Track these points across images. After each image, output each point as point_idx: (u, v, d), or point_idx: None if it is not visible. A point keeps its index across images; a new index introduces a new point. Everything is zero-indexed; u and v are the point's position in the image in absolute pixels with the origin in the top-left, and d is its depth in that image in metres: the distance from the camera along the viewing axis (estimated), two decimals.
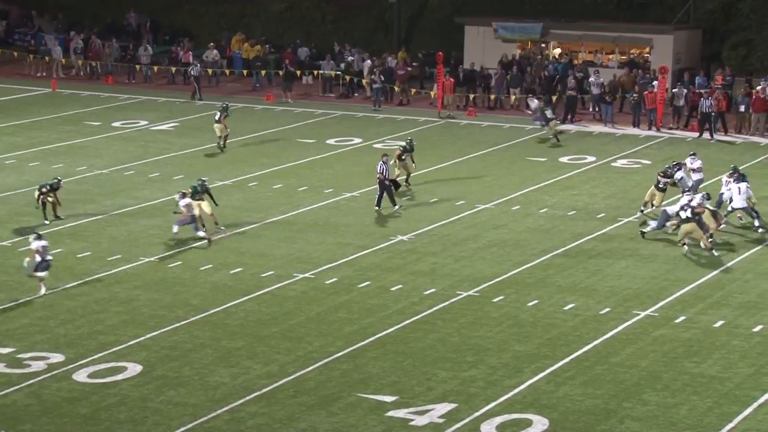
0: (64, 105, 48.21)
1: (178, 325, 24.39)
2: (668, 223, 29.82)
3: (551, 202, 33.77)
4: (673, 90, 44.12)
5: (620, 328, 24.21)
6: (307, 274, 27.57)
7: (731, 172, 31.64)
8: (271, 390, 21.22)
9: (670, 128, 43.51)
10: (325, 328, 24.27)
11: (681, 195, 30.66)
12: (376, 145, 41.14)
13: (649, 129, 43.33)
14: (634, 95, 44.26)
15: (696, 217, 28.50)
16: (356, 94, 50.12)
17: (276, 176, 36.83)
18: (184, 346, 23.25)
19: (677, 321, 24.57)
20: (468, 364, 22.35)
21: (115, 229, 30.94)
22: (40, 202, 31.36)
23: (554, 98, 45.32)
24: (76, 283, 26.91)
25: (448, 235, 30.68)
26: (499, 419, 20.00)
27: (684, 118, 43.74)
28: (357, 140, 41.94)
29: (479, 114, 46.21)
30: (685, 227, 28.56)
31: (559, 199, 34.04)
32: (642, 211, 31.83)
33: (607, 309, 25.27)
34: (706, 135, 42.12)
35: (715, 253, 28.49)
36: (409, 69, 49.65)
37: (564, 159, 39.01)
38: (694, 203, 28.89)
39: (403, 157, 34.62)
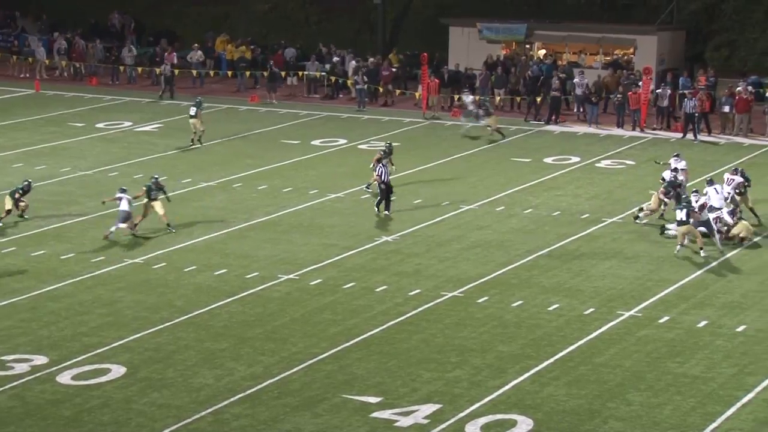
0: (48, 106, 48.09)
1: (162, 326, 24.34)
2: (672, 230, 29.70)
3: (535, 202, 33.82)
4: (657, 91, 44.24)
5: (604, 328, 24.25)
6: (291, 275, 27.55)
7: (733, 171, 31.87)
8: (256, 391, 21.19)
9: (654, 129, 43.63)
10: (310, 329, 24.26)
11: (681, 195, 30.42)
12: (361, 146, 41.15)
13: (633, 130, 43.44)
14: (618, 96, 44.36)
15: (689, 219, 28.65)
16: (341, 95, 50.11)
17: (261, 177, 36.79)
18: (167, 348, 23.21)
19: (661, 321, 24.62)
20: (452, 364, 22.36)
21: (99, 231, 30.85)
22: (14, 206, 31.27)
23: (538, 99, 45.40)
24: (59, 285, 26.84)
25: (432, 235, 30.70)
26: (483, 420, 20.02)
27: (666, 119, 43.84)
28: (342, 141, 41.93)
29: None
30: (681, 229, 28.69)
31: (544, 200, 34.09)
32: (638, 217, 31.57)
33: (591, 309, 25.32)
34: (690, 136, 42.24)
35: (702, 254, 28.56)
36: (393, 70, 49.67)
37: (548, 160, 39.07)
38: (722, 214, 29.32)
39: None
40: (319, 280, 27.21)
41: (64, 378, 21.75)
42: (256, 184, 35.85)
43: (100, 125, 44.46)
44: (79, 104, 48.46)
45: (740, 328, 24.19)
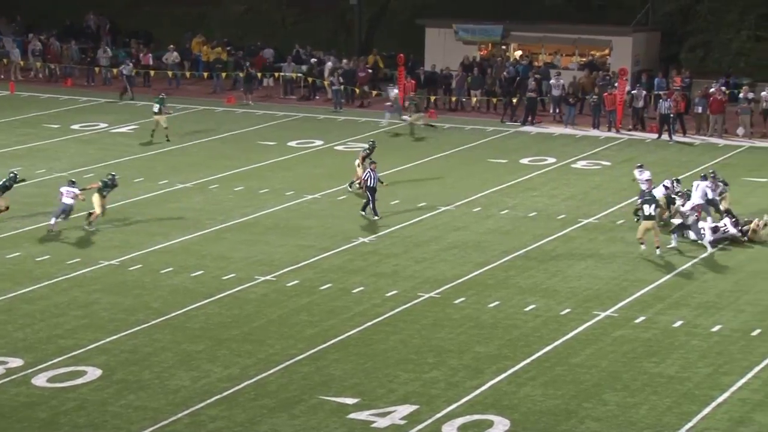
0: (23, 107, 47.87)
1: (138, 328, 24.27)
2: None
3: (512, 203, 33.89)
4: (632, 92, 44.40)
5: (580, 328, 24.32)
6: (268, 277, 27.52)
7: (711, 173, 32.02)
8: (232, 393, 21.16)
9: (630, 130, 43.78)
10: (287, 330, 24.24)
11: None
12: (337, 147, 41.15)
13: (609, 131, 43.57)
14: (594, 97, 44.50)
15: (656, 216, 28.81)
16: (317, 97, 50.10)
17: (237, 178, 36.73)
18: (144, 350, 23.14)
19: (637, 321, 24.71)
20: (429, 365, 22.38)
21: (75, 233, 30.74)
22: None
23: (515, 100, 45.50)
24: (34, 287, 26.72)
25: (409, 236, 30.72)
26: (460, 420, 20.05)
27: (640, 120, 43.98)
28: (318, 142, 41.92)
29: (440, 116, 46.31)
30: (645, 224, 28.75)
31: (520, 201, 34.17)
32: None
33: (568, 310, 25.39)
34: (665, 136, 42.41)
35: (657, 252, 28.66)
36: (370, 71, 49.67)
37: (524, 161, 39.16)
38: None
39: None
40: (296, 282, 27.19)
41: (40, 380, 21.66)
42: (233, 186, 35.79)
43: (76, 126, 44.30)
44: (55, 105, 48.28)
45: (715, 328, 24.31)
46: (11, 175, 31.83)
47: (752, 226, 30.00)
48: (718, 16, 51.00)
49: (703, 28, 51.10)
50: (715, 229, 29.73)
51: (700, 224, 29.76)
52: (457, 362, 22.53)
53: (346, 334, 23.96)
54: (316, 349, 23.15)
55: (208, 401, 20.78)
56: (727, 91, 44.08)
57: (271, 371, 22.09)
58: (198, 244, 29.99)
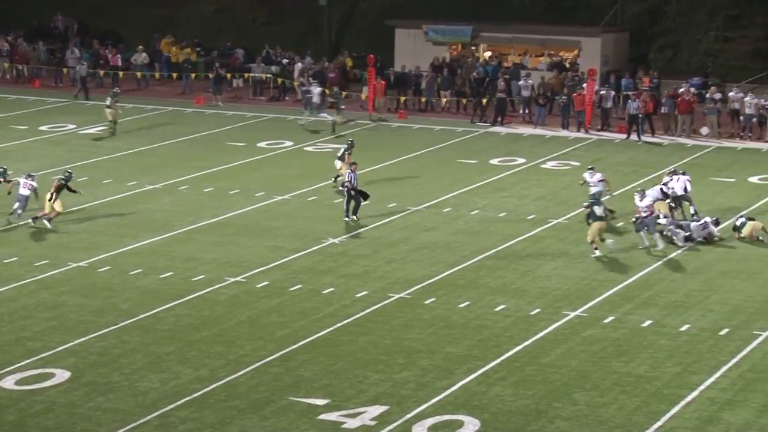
0: None
1: (107, 330, 24.16)
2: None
3: (482, 203, 33.95)
4: (601, 92, 44.56)
5: (550, 328, 24.39)
6: (238, 278, 27.46)
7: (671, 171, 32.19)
8: (202, 395, 21.09)
9: (599, 130, 43.94)
10: (257, 331, 24.19)
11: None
12: (307, 148, 41.11)
13: (578, 131, 43.72)
14: (563, 97, 44.64)
15: (607, 216, 29.06)
16: (287, 98, 50.02)
17: (207, 179, 36.63)
18: (113, 352, 23.04)
19: (606, 321, 24.81)
20: (400, 366, 22.39)
21: (43, 234, 30.58)
22: None
23: (484, 100, 45.59)
24: (2, 289, 26.55)
25: (379, 237, 30.73)
26: (430, 421, 20.06)
27: (608, 120, 44.15)
28: (288, 143, 41.86)
29: (410, 116, 46.35)
30: (597, 225, 28.89)
31: (490, 201, 34.23)
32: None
33: (538, 310, 25.45)
34: (634, 136, 42.58)
35: (597, 252, 28.76)
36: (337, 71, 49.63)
37: (494, 161, 39.25)
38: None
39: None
40: (265, 283, 27.14)
41: (8, 383, 21.52)
42: (202, 187, 35.69)
43: (44, 128, 44.06)
44: (22, 107, 47.98)
45: (684, 328, 24.43)
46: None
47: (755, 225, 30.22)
48: (686, 17, 51.29)
49: (672, 29, 51.39)
50: (688, 232, 29.86)
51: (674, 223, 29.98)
52: (427, 362, 22.55)
53: (317, 335, 23.94)
54: (286, 350, 23.11)
55: (178, 403, 20.71)
56: (695, 92, 44.30)
57: (241, 372, 22.04)
58: (167, 246, 29.88)
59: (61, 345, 23.31)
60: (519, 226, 31.58)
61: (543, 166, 38.71)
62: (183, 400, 20.80)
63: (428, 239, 30.49)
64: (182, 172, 37.37)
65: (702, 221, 30.19)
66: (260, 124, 45.38)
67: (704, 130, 42.79)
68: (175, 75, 51.98)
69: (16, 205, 31.32)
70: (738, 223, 30.52)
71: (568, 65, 49.53)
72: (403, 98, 47.83)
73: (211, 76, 49.67)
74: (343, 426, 19.88)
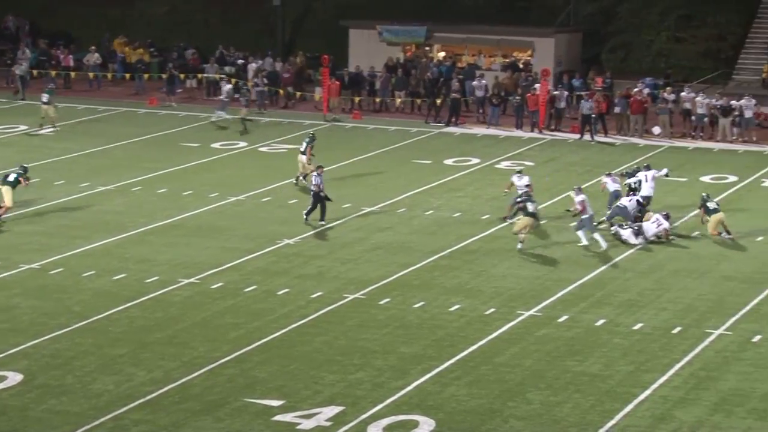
0: None
1: (59, 332, 23.97)
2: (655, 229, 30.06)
3: (436, 204, 34.01)
4: (554, 92, 44.78)
5: (505, 328, 24.48)
6: (192, 279, 27.33)
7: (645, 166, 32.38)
8: (156, 396, 20.98)
9: (552, 130, 44.14)
10: (211, 333, 24.09)
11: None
12: (261, 149, 41.00)
13: (532, 131, 43.91)
14: (517, 98, 44.82)
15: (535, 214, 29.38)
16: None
17: (160, 180, 36.44)
18: (66, 354, 22.86)
19: (560, 320, 24.93)
20: (355, 366, 22.38)
21: None
22: None
23: (438, 101, 45.68)
24: None
25: (334, 237, 30.70)
26: (385, 421, 20.07)
27: (560, 120, 44.35)
28: (242, 144, 41.73)
29: (365, 117, 46.35)
30: (526, 220, 29.21)
31: (445, 201, 34.30)
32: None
33: (492, 309, 25.53)
34: (587, 136, 42.83)
35: (520, 246, 29.12)
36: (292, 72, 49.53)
37: (449, 161, 39.33)
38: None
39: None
40: (220, 284, 27.04)
41: None
42: (156, 188, 35.50)
43: None
44: None
45: (637, 326, 24.59)
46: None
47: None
48: (639, 18, 51.65)
49: (624, 29, 51.72)
50: (638, 231, 30.09)
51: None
52: (382, 363, 22.56)
53: (271, 336, 23.88)
54: (240, 352, 23.03)
55: (132, 405, 20.59)
56: (648, 92, 44.64)
57: (196, 374, 21.94)
58: (120, 247, 29.70)
59: (13, 347, 23.10)
60: (473, 227, 31.67)
61: (497, 166, 38.84)
62: (137, 403, 20.68)
63: (383, 240, 30.50)
64: (135, 173, 37.15)
65: (654, 218, 30.38)
66: (214, 124, 45.17)
67: (656, 130, 43.12)
68: (128, 75, 51.67)
69: None
70: (710, 206, 30.58)
71: (521, 65, 49.74)
72: (357, 99, 47.82)
73: (164, 76, 49.42)
74: (299, 427, 19.85)
